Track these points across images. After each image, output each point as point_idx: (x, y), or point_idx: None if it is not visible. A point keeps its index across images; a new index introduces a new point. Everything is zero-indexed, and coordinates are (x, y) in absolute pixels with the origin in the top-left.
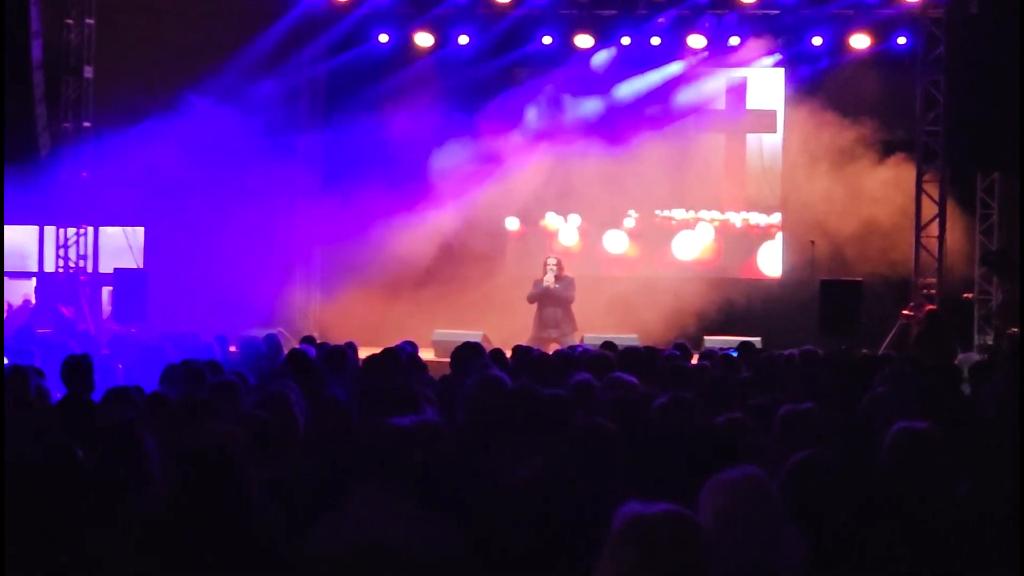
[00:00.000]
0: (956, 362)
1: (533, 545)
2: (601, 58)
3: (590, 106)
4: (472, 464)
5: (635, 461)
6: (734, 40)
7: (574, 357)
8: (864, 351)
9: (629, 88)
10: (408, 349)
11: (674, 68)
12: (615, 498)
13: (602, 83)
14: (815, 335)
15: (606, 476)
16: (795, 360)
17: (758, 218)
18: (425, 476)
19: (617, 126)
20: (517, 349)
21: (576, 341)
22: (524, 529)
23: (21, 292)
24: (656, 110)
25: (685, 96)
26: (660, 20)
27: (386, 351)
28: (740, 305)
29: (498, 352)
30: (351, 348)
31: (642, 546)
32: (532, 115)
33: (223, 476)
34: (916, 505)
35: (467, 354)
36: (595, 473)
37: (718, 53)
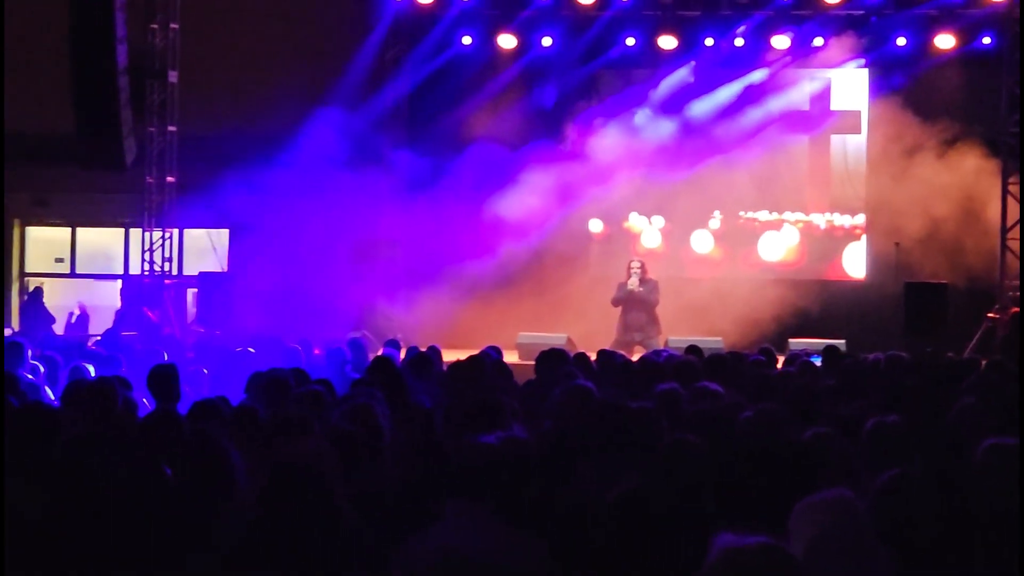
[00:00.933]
0: None
1: (621, 567)
2: (680, 75)
3: (671, 125)
4: (559, 480)
5: (722, 477)
6: (818, 41)
7: (659, 364)
8: (949, 354)
9: (713, 100)
10: (493, 355)
11: (757, 75)
12: (704, 519)
13: (686, 95)
14: (899, 337)
15: (695, 495)
16: (881, 365)
17: (842, 219)
18: (512, 494)
19: (702, 137)
20: (602, 354)
21: (660, 345)
22: (613, 550)
23: (107, 294)
24: (740, 119)
25: (770, 100)
26: (741, 28)
27: (471, 359)
28: (824, 307)
29: (582, 357)
30: (435, 353)
31: None
32: (616, 121)
33: (311, 494)
34: (1009, 526)
35: (552, 361)
36: (684, 492)
37: (802, 55)
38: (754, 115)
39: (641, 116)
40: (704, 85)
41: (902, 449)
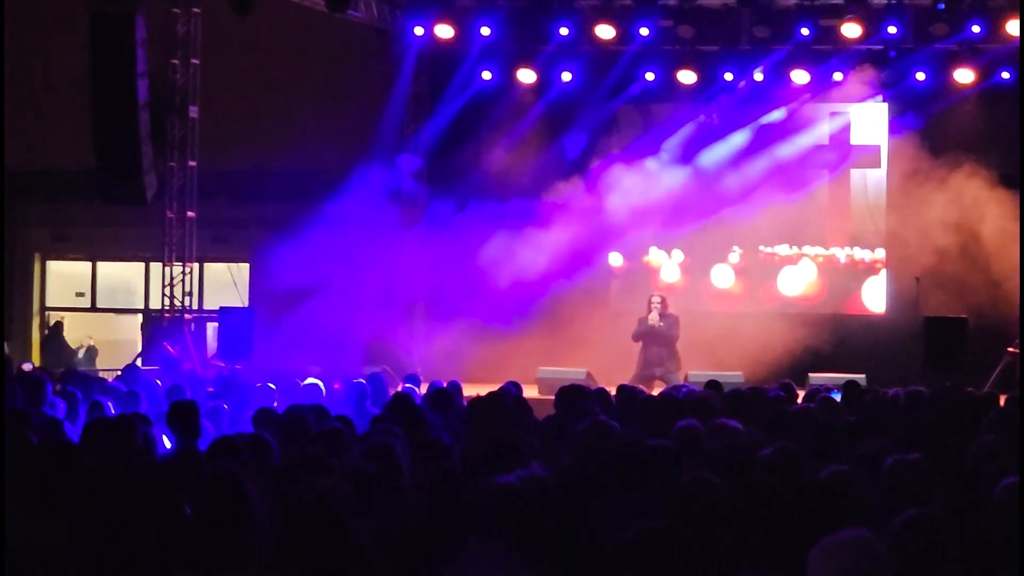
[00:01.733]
0: None
1: None
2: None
3: (692, 161)
4: (578, 518)
5: (741, 516)
6: (837, 76)
7: (679, 400)
8: (969, 389)
9: (734, 139)
10: (512, 391)
11: (777, 114)
12: (723, 559)
13: (706, 133)
14: (919, 372)
15: (714, 534)
16: (900, 401)
17: (862, 253)
18: (532, 533)
19: (722, 172)
20: (621, 389)
21: (680, 379)
22: None
23: (127, 329)
24: (760, 154)
25: (789, 135)
26: (760, 69)
27: (491, 395)
28: (844, 341)
29: (603, 392)
30: (455, 388)
31: None
32: (636, 155)
33: (329, 533)
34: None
35: (572, 396)
36: (703, 532)
37: (821, 90)
38: (774, 149)
39: (662, 153)
40: (724, 121)
41: (922, 487)
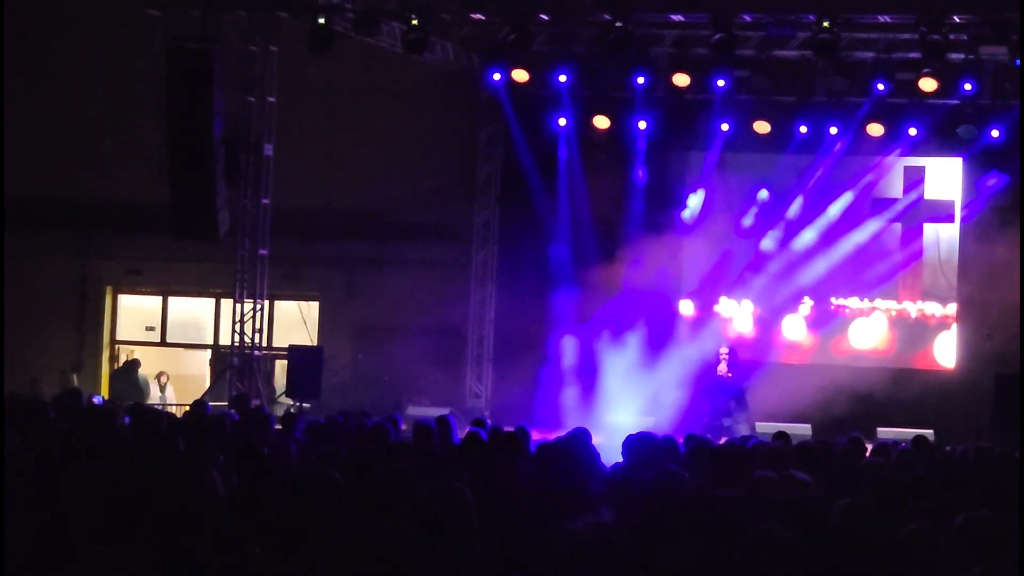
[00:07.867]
0: None
1: None
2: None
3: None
4: (646, 566)
5: (809, 569)
6: (912, 131)
7: (747, 451)
8: None
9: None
10: (580, 437)
11: (847, 198)
12: None
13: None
14: (988, 429)
15: None
16: (969, 458)
17: (933, 308)
18: None
19: (794, 224)
20: (690, 439)
21: (748, 431)
22: None
23: (196, 364)
24: (834, 206)
25: (864, 188)
26: (833, 130)
27: (559, 441)
28: (914, 395)
29: (671, 441)
30: (523, 432)
31: None
32: (708, 205)
33: None
34: None
35: (641, 443)
36: None
37: (896, 143)
38: (848, 202)
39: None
40: (800, 176)
41: (991, 545)
